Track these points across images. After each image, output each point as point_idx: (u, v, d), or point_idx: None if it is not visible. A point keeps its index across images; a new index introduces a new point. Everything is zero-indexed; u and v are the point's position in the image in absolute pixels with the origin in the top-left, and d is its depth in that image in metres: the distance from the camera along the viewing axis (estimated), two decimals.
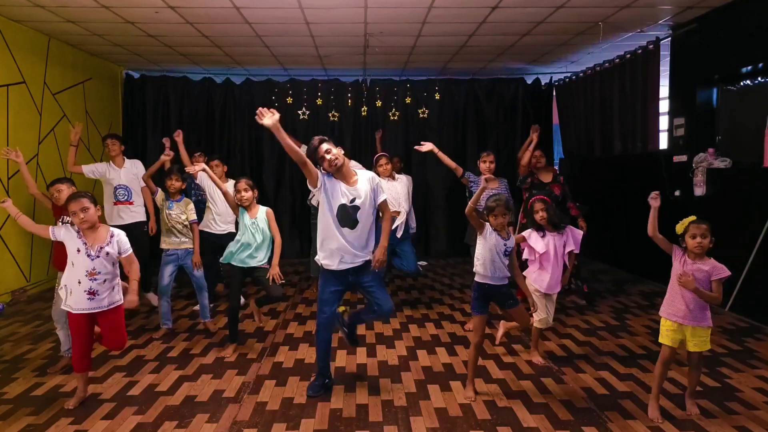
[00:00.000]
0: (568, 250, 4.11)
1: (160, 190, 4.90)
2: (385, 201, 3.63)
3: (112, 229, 3.43)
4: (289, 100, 8.89)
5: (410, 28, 6.29)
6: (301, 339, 4.79)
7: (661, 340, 3.31)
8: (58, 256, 4.01)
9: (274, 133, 3.21)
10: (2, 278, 5.90)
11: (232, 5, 5.46)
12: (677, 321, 3.22)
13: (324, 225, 3.54)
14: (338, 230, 3.48)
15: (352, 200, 3.48)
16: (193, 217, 4.87)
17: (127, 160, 5.70)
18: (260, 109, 3.20)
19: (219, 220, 5.53)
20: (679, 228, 3.22)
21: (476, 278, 3.61)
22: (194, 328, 5.08)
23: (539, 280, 4.10)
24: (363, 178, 3.57)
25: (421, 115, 9.02)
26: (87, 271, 3.28)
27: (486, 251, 3.54)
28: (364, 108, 8.93)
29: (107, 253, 3.32)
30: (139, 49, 7.31)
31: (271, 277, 4.21)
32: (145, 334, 4.87)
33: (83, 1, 5.35)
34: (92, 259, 3.28)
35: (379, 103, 8.96)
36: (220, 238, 5.48)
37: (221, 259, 4.44)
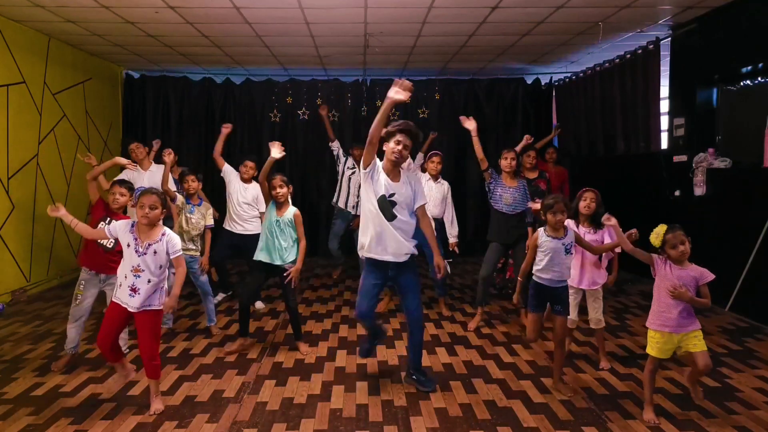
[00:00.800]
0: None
1: (179, 195, 4.88)
2: (422, 207, 3.62)
3: (165, 228, 3.38)
4: (289, 100, 8.90)
5: (410, 28, 6.29)
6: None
7: (649, 351, 3.27)
8: (87, 252, 4.02)
9: (388, 106, 3.22)
10: (2, 278, 5.90)
11: (232, 5, 5.46)
12: (668, 331, 3.17)
13: (366, 211, 3.56)
14: (379, 216, 3.50)
15: (391, 195, 3.50)
16: (211, 222, 4.85)
17: (153, 164, 5.70)
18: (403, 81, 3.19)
19: (238, 219, 5.46)
20: (656, 241, 3.18)
21: (534, 277, 3.65)
22: (194, 328, 5.08)
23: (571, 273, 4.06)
24: (405, 178, 3.59)
25: (421, 115, 9.02)
26: (132, 267, 3.26)
27: (544, 255, 3.56)
28: (364, 108, 8.93)
29: (155, 252, 3.28)
30: (139, 49, 7.31)
31: (290, 282, 4.26)
32: None
33: (83, 1, 5.35)
34: (139, 255, 3.26)
35: (379, 103, 8.93)
36: (240, 238, 5.44)
37: (254, 257, 4.37)
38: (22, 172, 6.24)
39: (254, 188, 5.41)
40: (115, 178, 4.36)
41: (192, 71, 8.73)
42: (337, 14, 5.75)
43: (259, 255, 4.32)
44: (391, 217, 3.50)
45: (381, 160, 3.58)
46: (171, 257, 3.35)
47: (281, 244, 4.27)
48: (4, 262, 5.95)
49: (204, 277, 4.84)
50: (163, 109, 8.84)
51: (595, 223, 3.99)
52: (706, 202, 5.67)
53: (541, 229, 3.60)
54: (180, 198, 4.86)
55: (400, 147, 3.46)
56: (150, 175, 5.58)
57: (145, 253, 3.27)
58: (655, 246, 3.20)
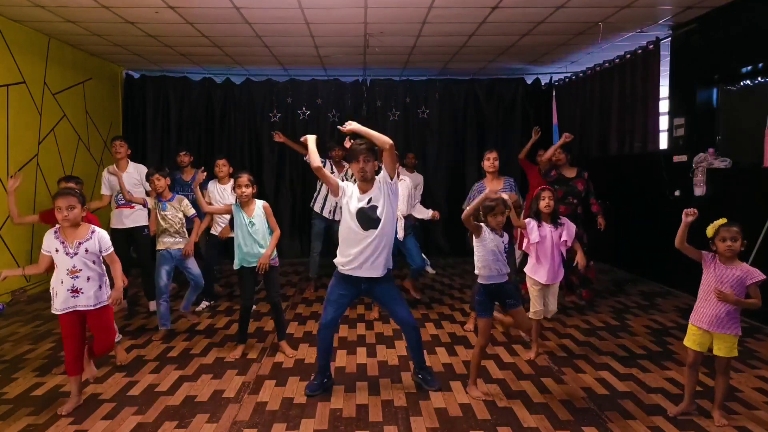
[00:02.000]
0: (563, 240, 4.23)
1: (147, 198, 4.89)
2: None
3: (92, 226, 3.38)
4: (289, 100, 8.90)
5: (410, 28, 6.29)
6: (301, 339, 4.79)
7: (686, 343, 3.29)
8: None
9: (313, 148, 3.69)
10: None
11: (232, 5, 5.46)
12: (703, 327, 3.19)
13: (346, 230, 3.57)
14: (361, 234, 3.50)
15: (368, 201, 3.52)
16: (192, 212, 4.84)
17: (131, 164, 5.73)
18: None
19: (221, 223, 5.54)
20: (710, 231, 3.18)
21: (479, 280, 3.64)
22: (194, 328, 5.08)
23: (536, 271, 4.22)
24: (377, 183, 3.58)
25: (421, 115, 9.03)
26: (68, 270, 3.26)
27: (487, 252, 3.57)
28: (364, 108, 8.93)
29: (86, 250, 3.28)
30: (139, 49, 7.31)
31: (272, 277, 4.28)
32: (144, 335, 4.86)
33: (83, 1, 5.35)
34: (71, 257, 3.26)
35: (379, 103, 8.96)
36: (226, 240, 5.50)
37: (234, 267, 4.36)
38: (22, 172, 6.21)
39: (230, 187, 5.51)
40: (68, 176, 4.44)
41: (192, 71, 8.73)
42: (337, 14, 5.75)
43: (241, 263, 4.30)
44: (376, 224, 3.49)
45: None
46: (103, 254, 3.36)
47: (258, 243, 4.26)
48: (4, 262, 5.95)
49: (196, 270, 4.83)
50: (163, 109, 8.83)
51: (555, 220, 4.23)
52: (706, 202, 5.67)
53: (484, 227, 3.60)
54: (150, 200, 4.85)
55: (360, 165, 3.52)
56: (127, 176, 5.61)
57: (76, 253, 3.26)
58: (709, 236, 3.20)
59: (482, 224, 3.60)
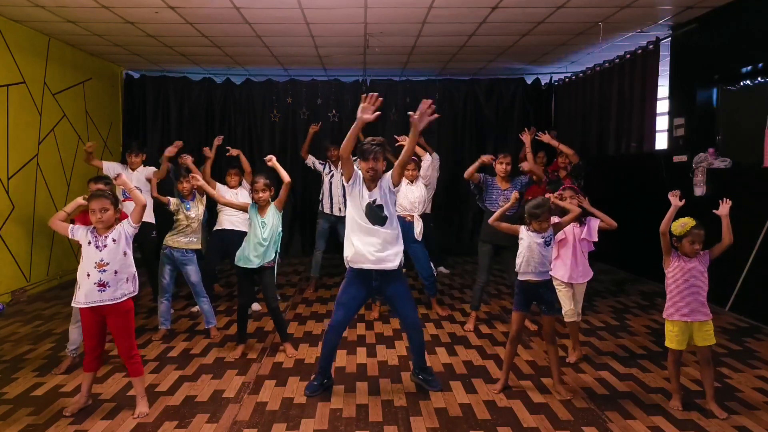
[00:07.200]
0: (583, 237, 4.22)
1: (171, 199, 4.89)
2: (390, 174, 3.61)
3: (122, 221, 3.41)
4: (289, 100, 8.90)
5: (410, 28, 6.29)
6: (301, 339, 4.79)
7: (667, 344, 3.38)
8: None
9: (359, 126, 3.33)
10: (2, 278, 5.90)
11: (232, 5, 5.46)
12: (684, 320, 3.30)
13: (354, 223, 3.56)
14: (370, 228, 3.51)
15: (374, 201, 3.54)
16: (203, 206, 4.95)
17: (142, 166, 5.83)
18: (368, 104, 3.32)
19: (230, 219, 5.58)
20: (679, 230, 3.28)
21: (519, 276, 3.67)
22: (194, 328, 5.08)
23: (557, 269, 4.17)
24: (379, 183, 3.59)
25: None
26: (95, 263, 3.25)
27: (525, 248, 3.61)
28: None
29: (113, 240, 3.29)
30: (139, 49, 7.31)
31: (269, 281, 4.28)
32: (144, 335, 4.86)
33: (83, 1, 5.35)
34: (100, 250, 3.26)
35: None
36: (229, 236, 5.49)
37: (235, 262, 4.37)
38: (22, 172, 6.24)
39: (243, 193, 5.62)
40: (97, 176, 4.54)
41: (192, 71, 8.73)
42: (337, 14, 5.76)
43: (245, 262, 4.29)
44: (383, 221, 3.51)
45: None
46: (132, 216, 3.35)
47: (264, 245, 4.25)
48: (4, 262, 5.95)
49: (196, 277, 4.81)
50: (163, 109, 8.83)
51: (578, 218, 4.17)
52: (706, 202, 5.67)
53: (522, 226, 3.66)
54: (173, 200, 4.86)
55: (373, 165, 3.52)
56: (138, 175, 5.64)
57: (105, 246, 3.27)
58: (676, 234, 3.30)
59: (521, 227, 3.66)
